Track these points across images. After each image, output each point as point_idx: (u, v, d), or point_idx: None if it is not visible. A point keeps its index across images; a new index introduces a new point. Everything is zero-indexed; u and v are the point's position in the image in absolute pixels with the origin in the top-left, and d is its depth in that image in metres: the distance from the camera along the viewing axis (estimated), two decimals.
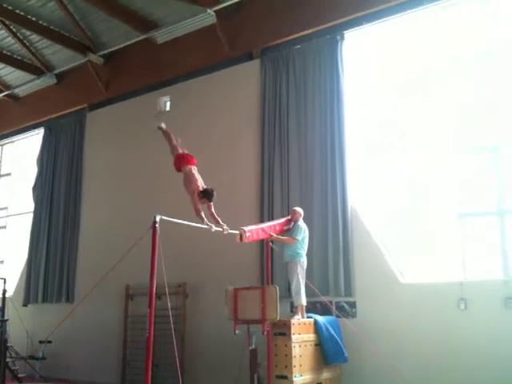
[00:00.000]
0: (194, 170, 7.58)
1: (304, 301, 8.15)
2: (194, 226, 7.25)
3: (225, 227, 7.43)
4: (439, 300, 8.18)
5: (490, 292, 7.86)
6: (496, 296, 7.77)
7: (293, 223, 8.47)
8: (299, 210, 8.56)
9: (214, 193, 7.35)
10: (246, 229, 7.64)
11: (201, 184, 7.41)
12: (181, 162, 7.68)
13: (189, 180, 7.45)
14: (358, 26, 9.81)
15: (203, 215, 7.26)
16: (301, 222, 8.42)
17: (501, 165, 8.45)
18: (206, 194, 7.28)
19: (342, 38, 9.90)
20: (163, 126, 8.23)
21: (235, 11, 11.10)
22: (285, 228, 8.46)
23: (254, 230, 7.88)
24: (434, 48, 9.31)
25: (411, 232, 9.15)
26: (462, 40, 9.12)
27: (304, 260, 8.26)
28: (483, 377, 7.51)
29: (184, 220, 7.04)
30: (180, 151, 7.86)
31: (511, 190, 8.30)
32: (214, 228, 7.28)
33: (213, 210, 7.45)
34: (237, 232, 7.58)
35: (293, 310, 8.59)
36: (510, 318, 7.61)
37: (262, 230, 8.14)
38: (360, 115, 9.89)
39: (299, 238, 8.22)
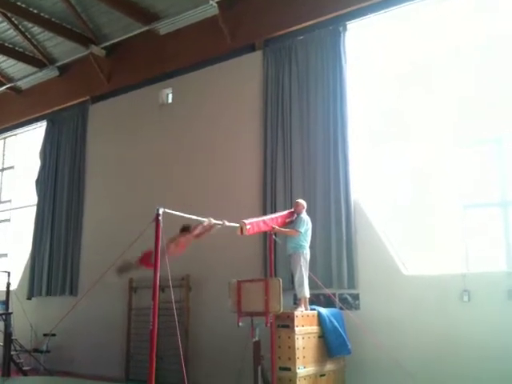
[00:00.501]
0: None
1: (307, 293, 8.16)
2: (196, 219, 7.24)
3: (225, 222, 7.43)
4: (442, 292, 8.18)
5: (493, 284, 7.85)
6: (499, 288, 7.76)
7: (296, 215, 8.46)
8: (302, 202, 8.54)
9: (188, 226, 7.31)
10: (246, 221, 7.63)
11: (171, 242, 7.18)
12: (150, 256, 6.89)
13: (171, 246, 7.09)
14: (361, 16, 9.76)
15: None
16: (304, 215, 8.41)
17: (504, 156, 8.41)
18: (184, 230, 7.33)
19: (345, 28, 9.85)
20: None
21: (237, 2, 11.08)
22: (287, 220, 8.45)
23: (254, 223, 7.86)
24: (436, 39, 9.27)
25: (414, 224, 9.15)
26: (465, 32, 9.07)
27: (307, 252, 8.25)
28: (486, 368, 7.51)
29: (187, 212, 7.02)
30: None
31: None
32: (213, 221, 7.27)
33: (200, 231, 7.39)
34: (237, 225, 7.57)
35: (296, 302, 8.59)
36: None
37: (264, 222, 8.12)
38: (363, 106, 9.86)
39: (302, 230, 8.21)
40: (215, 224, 7.37)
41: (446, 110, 8.99)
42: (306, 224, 8.31)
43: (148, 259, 6.84)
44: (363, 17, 9.75)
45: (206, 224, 7.25)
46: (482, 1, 8.96)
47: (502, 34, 8.71)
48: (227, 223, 7.45)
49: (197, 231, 7.27)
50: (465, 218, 8.56)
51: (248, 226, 7.59)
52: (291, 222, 8.43)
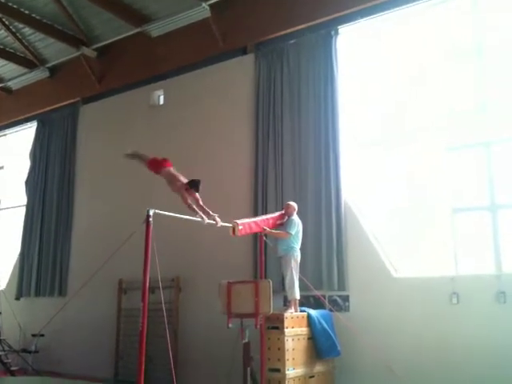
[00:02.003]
0: (172, 170, 7.58)
1: (297, 295, 8.18)
2: (187, 220, 7.26)
3: (217, 219, 7.42)
4: (432, 294, 8.22)
5: (482, 286, 7.91)
6: (488, 290, 7.82)
7: (286, 218, 8.49)
8: (293, 204, 8.57)
9: (200, 182, 7.31)
10: (238, 222, 7.65)
11: (183, 179, 7.37)
12: (156, 165, 7.82)
13: (171, 180, 7.46)
14: (353, 21, 9.81)
15: (195, 207, 7.26)
16: (295, 217, 8.44)
17: (493, 160, 8.48)
18: (193, 184, 7.28)
19: (337, 32, 9.89)
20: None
21: (229, 5, 11.09)
22: (278, 222, 8.47)
23: (246, 224, 7.89)
24: (428, 44, 9.34)
25: (404, 227, 9.21)
26: (456, 36, 9.15)
27: (298, 254, 8.28)
28: (475, 371, 7.56)
29: (177, 214, 7.04)
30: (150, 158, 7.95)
31: (503, 185, 8.33)
32: (207, 220, 7.28)
33: (201, 202, 7.41)
34: (229, 225, 7.59)
35: (286, 303, 8.62)
36: (502, 313, 7.66)
37: (255, 223, 8.15)
38: (354, 110, 9.90)
39: (293, 232, 8.24)
40: (208, 222, 7.35)
41: (436, 114, 9.06)
42: (297, 226, 8.35)
43: (156, 164, 7.63)
44: (355, 21, 9.80)
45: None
46: (474, 5, 9.01)
47: (492, 40, 8.80)
48: (219, 222, 7.43)
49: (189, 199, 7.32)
50: (454, 222, 8.61)
51: (240, 227, 7.61)
52: (282, 224, 8.45)
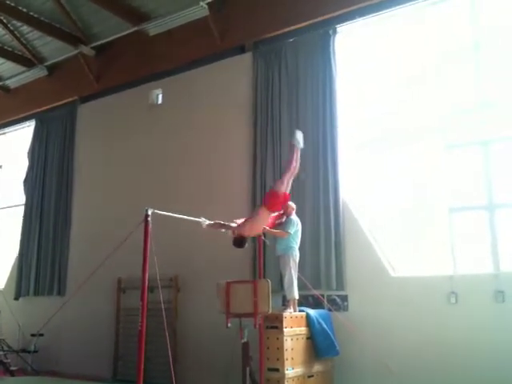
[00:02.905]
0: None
1: (296, 294, 8.19)
2: (185, 220, 7.25)
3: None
4: (430, 294, 8.23)
5: (480, 286, 7.92)
6: (486, 290, 7.82)
7: (285, 217, 8.49)
8: (292, 204, 8.57)
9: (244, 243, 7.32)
10: (238, 221, 7.65)
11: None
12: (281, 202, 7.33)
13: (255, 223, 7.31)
14: (351, 20, 9.79)
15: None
16: (294, 216, 8.45)
17: (490, 160, 8.48)
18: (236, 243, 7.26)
19: (335, 32, 9.87)
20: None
21: (228, 4, 11.10)
22: (277, 222, 8.47)
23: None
24: (426, 42, 9.33)
25: (402, 226, 9.21)
26: (454, 35, 9.15)
27: (297, 254, 8.29)
28: (473, 370, 7.58)
29: (176, 213, 7.04)
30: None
31: (501, 184, 8.34)
32: (207, 223, 7.29)
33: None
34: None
35: (285, 303, 8.62)
36: (500, 312, 7.67)
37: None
38: (352, 109, 9.89)
39: (291, 231, 8.24)
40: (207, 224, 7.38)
41: (434, 112, 9.06)
42: (296, 225, 8.35)
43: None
44: (353, 20, 9.79)
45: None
46: (471, 4, 9.01)
47: (491, 38, 8.79)
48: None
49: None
50: (452, 221, 8.62)
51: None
52: (280, 224, 8.45)
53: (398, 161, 9.37)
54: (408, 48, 9.53)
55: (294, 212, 8.50)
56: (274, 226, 8.40)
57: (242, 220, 7.69)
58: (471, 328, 7.77)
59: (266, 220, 7.35)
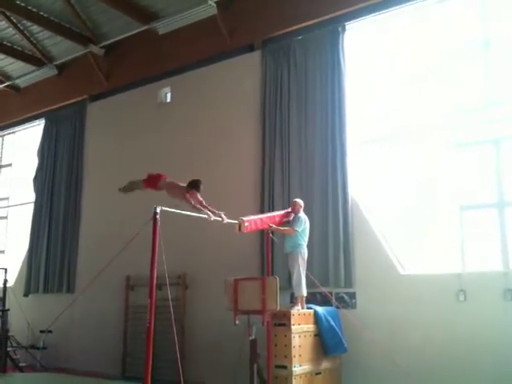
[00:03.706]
0: (169, 179, 7.57)
1: (304, 292, 8.18)
2: (194, 217, 7.26)
3: (223, 216, 7.40)
4: (439, 291, 8.21)
5: (489, 284, 7.89)
6: (495, 288, 7.80)
7: (293, 215, 8.48)
8: (300, 201, 8.57)
9: (200, 182, 7.29)
10: (244, 219, 7.65)
11: (182, 184, 7.35)
12: (153, 180, 7.69)
13: (171, 188, 7.43)
14: (360, 17, 9.80)
15: (200, 207, 7.24)
16: (301, 214, 8.44)
17: (501, 158, 8.44)
18: (193, 185, 7.25)
19: (344, 29, 9.87)
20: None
21: (236, 2, 11.12)
22: (285, 220, 8.48)
23: (252, 221, 7.88)
24: (435, 40, 9.30)
25: (411, 224, 9.18)
26: (464, 32, 9.11)
27: (305, 251, 8.28)
28: (481, 367, 7.55)
29: (185, 211, 7.05)
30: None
31: (511, 182, 8.30)
32: (213, 217, 7.27)
33: (204, 203, 7.35)
34: (236, 222, 7.59)
35: (293, 300, 8.62)
36: (509, 310, 7.64)
37: (261, 220, 8.14)
38: (361, 106, 9.88)
39: (299, 229, 8.23)
40: (215, 219, 7.33)
41: (444, 110, 9.02)
42: (304, 223, 8.34)
43: (153, 181, 7.47)
44: (362, 17, 9.79)
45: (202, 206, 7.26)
46: (480, 1, 8.97)
47: (500, 36, 8.76)
48: (225, 219, 7.41)
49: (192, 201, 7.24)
50: (462, 219, 8.58)
51: (246, 224, 7.61)
52: (288, 222, 8.45)
53: (408, 159, 9.34)
54: (417, 45, 9.50)
55: (301, 209, 8.49)
56: (282, 223, 8.41)
57: (252, 217, 7.90)
58: (480, 326, 7.74)
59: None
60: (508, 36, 8.71)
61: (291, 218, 8.47)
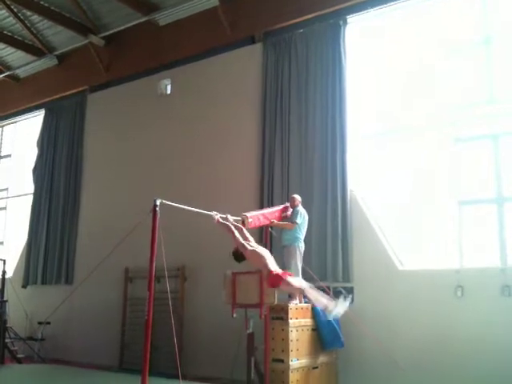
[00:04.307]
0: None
1: None
2: (193, 210, 7.25)
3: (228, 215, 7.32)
4: (436, 287, 8.21)
5: (486, 280, 7.89)
6: (493, 284, 7.80)
7: (291, 209, 8.48)
8: (298, 196, 8.58)
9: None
10: (248, 215, 7.65)
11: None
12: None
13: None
14: (362, 11, 9.75)
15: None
16: (300, 208, 8.43)
17: (499, 153, 8.43)
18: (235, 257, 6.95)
19: (345, 22, 9.84)
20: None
21: None
22: (283, 215, 8.46)
23: (255, 216, 7.89)
24: (436, 34, 9.28)
25: (409, 219, 9.18)
26: (465, 27, 9.10)
27: (302, 245, 8.28)
28: (478, 363, 7.56)
29: (183, 203, 7.04)
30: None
31: (510, 178, 8.30)
32: (218, 216, 7.18)
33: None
34: (239, 218, 7.58)
35: (290, 294, 8.62)
36: (507, 306, 7.65)
37: (263, 215, 8.14)
38: (362, 100, 9.85)
39: (299, 221, 8.22)
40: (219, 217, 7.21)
41: (444, 105, 9.02)
42: (303, 216, 8.34)
43: (274, 281, 6.47)
44: (364, 11, 9.74)
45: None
46: None
47: (500, 33, 8.74)
48: (230, 218, 7.34)
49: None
50: (460, 214, 8.58)
51: (250, 220, 7.61)
52: (287, 217, 8.44)
53: (407, 154, 9.34)
54: (417, 40, 9.47)
55: (300, 204, 8.49)
56: (280, 218, 8.40)
57: (254, 213, 7.83)
58: (477, 322, 7.75)
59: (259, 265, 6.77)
60: (508, 32, 8.69)
61: (289, 213, 8.46)
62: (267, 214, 8.23)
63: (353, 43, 9.91)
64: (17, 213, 15.54)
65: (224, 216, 7.27)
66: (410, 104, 9.41)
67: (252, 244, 6.89)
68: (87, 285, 8.76)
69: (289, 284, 6.39)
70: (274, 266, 6.57)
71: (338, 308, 6.26)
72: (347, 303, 6.44)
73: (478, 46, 8.89)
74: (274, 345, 7.63)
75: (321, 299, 6.39)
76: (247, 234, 7.05)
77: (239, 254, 6.83)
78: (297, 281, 6.65)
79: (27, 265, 13.92)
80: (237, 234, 6.86)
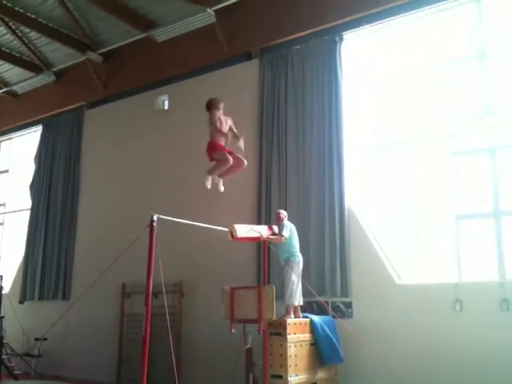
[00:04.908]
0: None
1: (300, 300, 8.12)
2: (191, 225, 7.26)
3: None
4: (435, 301, 8.20)
5: (485, 294, 7.88)
6: (491, 298, 7.79)
7: (277, 225, 8.44)
8: (283, 211, 8.61)
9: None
10: (235, 226, 7.65)
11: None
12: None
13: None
14: (357, 27, 9.83)
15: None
16: (286, 222, 8.39)
17: (496, 167, 8.46)
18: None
19: (341, 39, 9.91)
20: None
21: (234, 11, 11.10)
22: (270, 233, 8.40)
23: (244, 227, 7.88)
24: (432, 49, 9.34)
25: (407, 233, 9.19)
26: (461, 41, 9.16)
27: (300, 259, 8.23)
28: (478, 378, 7.53)
29: (182, 218, 7.04)
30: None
31: (507, 191, 8.32)
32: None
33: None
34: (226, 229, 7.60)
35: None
36: (505, 320, 7.63)
37: (251, 229, 8.12)
38: (358, 115, 9.90)
39: (286, 234, 8.18)
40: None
41: (440, 119, 9.06)
42: (289, 229, 8.30)
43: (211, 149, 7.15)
44: (359, 27, 9.82)
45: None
46: (477, 10, 9.02)
47: (497, 46, 8.81)
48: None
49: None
50: (457, 228, 8.60)
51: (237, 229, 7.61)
52: (274, 234, 8.37)
53: (404, 168, 9.36)
54: (414, 55, 9.54)
55: (285, 218, 8.47)
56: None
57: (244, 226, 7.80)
58: (476, 336, 7.74)
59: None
60: (504, 47, 8.76)
61: (276, 230, 8.40)
62: (256, 228, 8.22)
63: (349, 59, 9.96)
64: (14, 228, 15.50)
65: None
66: (407, 117, 9.45)
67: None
68: (84, 300, 8.71)
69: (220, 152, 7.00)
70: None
71: None
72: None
73: (475, 59, 8.93)
74: (272, 360, 7.58)
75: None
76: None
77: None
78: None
79: (24, 280, 13.86)
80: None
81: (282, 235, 8.18)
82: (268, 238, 8.28)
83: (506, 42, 8.76)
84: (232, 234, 7.57)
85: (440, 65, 9.22)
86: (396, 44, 9.82)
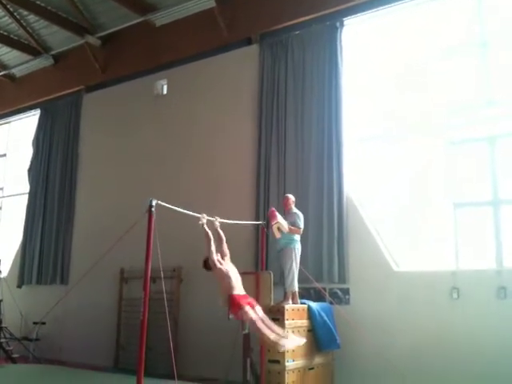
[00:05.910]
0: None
1: (295, 287, 8.14)
2: (189, 211, 7.23)
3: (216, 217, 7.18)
4: (432, 289, 8.23)
5: (482, 281, 7.92)
6: (488, 286, 7.83)
7: (286, 211, 8.41)
8: (292, 196, 8.52)
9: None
10: (280, 220, 7.76)
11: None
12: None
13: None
14: (358, 13, 9.78)
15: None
16: (296, 210, 8.37)
17: (495, 155, 8.45)
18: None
19: (342, 24, 9.86)
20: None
21: None
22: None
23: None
24: (432, 36, 9.30)
25: (405, 221, 9.20)
26: (461, 29, 9.12)
27: (299, 246, 8.25)
28: (475, 365, 7.58)
29: (179, 204, 7.01)
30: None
31: (506, 180, 8.32)
32: (205, 218, 7.01)
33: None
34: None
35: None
36: (502, 308, 7.67)
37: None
38: (357, 103, 9.86)
39: (302, 226, 8.22)
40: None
41: (440, 107, 9.03)
42: (302, 219, 8.28)
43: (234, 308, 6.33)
44: (360, 13, 9.77)
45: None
46: (479, 0, 8.96)
47: (497, 34, 8.77)
48: (218, 222, 7.16)
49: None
50: (456, 216, 8.60)
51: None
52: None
53: (403, 156, 9.35)
54: (414, 42, 9.50)
55: (293, 204, 8.43)
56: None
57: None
58: (473, 323, 7.78)
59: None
60: (504, 35, 8.72)
61: (287, 216, 8.33)
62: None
63: (349, 45, 9.91)
64: (12, 212, 15.49)
65: (213, 219, 7.10)
66: (406, 106, 9.42)
67: (224, 261, 6.66)
68: (82, 285, 8.74)
69: (246, 314, 6.12)
70: (239, 289, 6.40)
71: (288, 342, 6.18)
72: (301, 340, 6.53)
73: (475, 48, 8.91)
74: (269, 346, 7.60)
75: (269, 333, 6.06)
76: (225, 248, 6.80)
77: (208, 265, 6.64)
78: (253, 312, 6.22)
79: (22, 264, 13.89)
80: (213, 246, 6.58)
81: (300, 227, 8.18)
82: (285, 228, 8.02)
83: (507, 30, 8.71)
84: (279, 229, 7.58)
85: (440, 52, 9.18)
86: (396, 31, 9.78)
